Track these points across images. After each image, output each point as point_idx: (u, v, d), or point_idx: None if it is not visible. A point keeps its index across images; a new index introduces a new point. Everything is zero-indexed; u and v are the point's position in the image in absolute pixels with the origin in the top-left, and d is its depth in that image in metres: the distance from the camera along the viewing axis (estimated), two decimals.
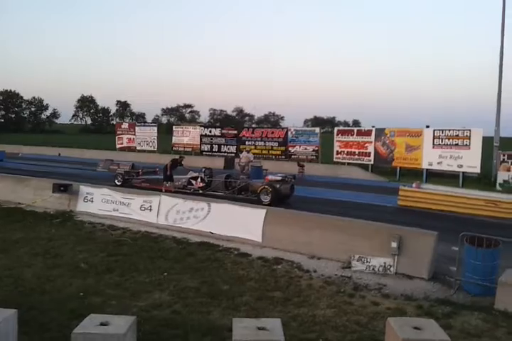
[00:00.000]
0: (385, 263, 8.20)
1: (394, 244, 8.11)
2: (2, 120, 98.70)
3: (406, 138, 25.09)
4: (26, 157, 35.21)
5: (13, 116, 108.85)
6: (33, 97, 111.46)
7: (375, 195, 18.01)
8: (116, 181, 18.34)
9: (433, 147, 23.63)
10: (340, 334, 5.71)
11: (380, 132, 26.45)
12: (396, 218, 12.16)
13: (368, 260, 8.29)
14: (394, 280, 7.90)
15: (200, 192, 16.43)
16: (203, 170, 17.48)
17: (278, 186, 15.46)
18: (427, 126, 24.40)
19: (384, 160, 26.32)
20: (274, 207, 11.68)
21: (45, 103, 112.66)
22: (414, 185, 16.06)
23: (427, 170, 24.15)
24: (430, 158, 23.77)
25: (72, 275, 7.64)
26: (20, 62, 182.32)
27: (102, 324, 4.63)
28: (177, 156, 18.44)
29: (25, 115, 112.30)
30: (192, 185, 17.09)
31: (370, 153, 26.84)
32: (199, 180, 17.05)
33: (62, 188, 12.93)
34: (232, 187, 16.55)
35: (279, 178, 15.80)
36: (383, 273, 8.15)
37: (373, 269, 8.24)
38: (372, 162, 26.83)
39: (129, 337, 4.67)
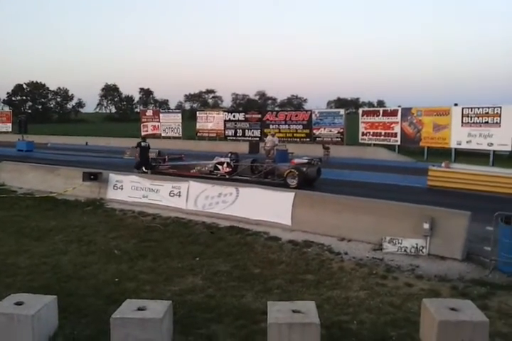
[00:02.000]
0: (417, 244, 8.10)
1: (426, 225, 7.98)
2: (29, 111, 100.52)
3: (433, 118, 24.57)
4: (55, 147, 35.83)
5: (39, 107, 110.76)
6: (59, 88, 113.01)
7: (403, 176, 17.74)
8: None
9: (462, 125, 23.10)
10: (375, 316, 5.69)
11: (406, 112, 25.98)
12: (426, 199, 11.97)
13: (400, 241, 8.19)
14: (427, 261, 7.81)
15: (227, 177, 16.49)
16: (229, 155, 17.53)
17: (304, 169, 15.39)
18: (455, 104, 23.84)
19: (411, 140, 25.89)
20: (302, 190, 11.62)
21: (70, 93, 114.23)
22: (443, 164, 15.76)
23: (455, 149, 23.68)
24: (459, 136, 23.27)
25: (107, 262, 7.79)
26: (44, 53, 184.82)
27: (139, 309, 4.73)
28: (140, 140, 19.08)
29: (52, 105, 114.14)
30: (218, 170, 17.19)
31: (396, 133, 26.42)
32: (225, 165, 17.11)
33: (92, 177, 13.13)
34: (258, 171, 16.56)
35: (305, 161, 15.71)
36: (415, 255, 8.05)
37: (405, 251, 8.15)
38: (398, 142, 26.44)
39: (166, 321, 4.77)
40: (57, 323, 5.21)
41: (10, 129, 44.77)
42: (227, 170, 17.01)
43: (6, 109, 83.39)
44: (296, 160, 15.90)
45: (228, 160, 17.18)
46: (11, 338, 4.68)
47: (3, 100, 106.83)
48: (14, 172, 15.95)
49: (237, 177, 16.46)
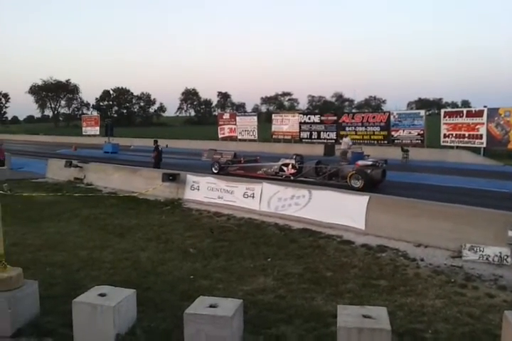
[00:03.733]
0: (500, 253, 7.62)
1: (511, 233, 7.51)
2: (115, 115, 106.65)
3: None
4: (137, 149, 37.70)
5: (124, 111, 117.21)
6: (142, 93, 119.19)
7: (487, 180, 16.81)
8: (213, 169, 19.11)
9: None
10: (451, 326, 5.43)
11: (493, 112, 24.54)
12: None
13: (481, 249, 7.75)
14: (511, 271, 7.34)
15: (292, 178, 16.55)
16: (294, 156, 17.60)
17: (369, 171, 15.13)
18: None
19: (498, 142, 24.41)
20: (376, 193, 11.35)
21: (152, 98, 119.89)
22: None
23: None
24: None
25: (182, 260, 8.06)
26: (129, 60, 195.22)
27: (211, 306, 4.86)
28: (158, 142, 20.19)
29: (135, 110, 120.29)
30: (283, 171, 17.31)
31: (481, 135, 25.03)
32: (290, 166, 17.20)
33: (170, 177, 13.70)
34: (322, 173, 16.48)
35: (370, 163, 15.46)
36: (499, 264, 7.58)
37: (487, 259, 7.70)
38: (484, 145, 25.04)
39: (236, 319, 4.86)
40: (136, 316, 5.49)
41: (98, 132, 47.71)
42: (292, 171, 17.12)
43: (95, 113, 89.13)
44: (361, 162, 15.67)
45: (293, 161, 17.27)
46: (95, 326, 5.00)
47: (93, 105, 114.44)
48: (100, 173, 17.03)
49: (301, 178, 16.48)
